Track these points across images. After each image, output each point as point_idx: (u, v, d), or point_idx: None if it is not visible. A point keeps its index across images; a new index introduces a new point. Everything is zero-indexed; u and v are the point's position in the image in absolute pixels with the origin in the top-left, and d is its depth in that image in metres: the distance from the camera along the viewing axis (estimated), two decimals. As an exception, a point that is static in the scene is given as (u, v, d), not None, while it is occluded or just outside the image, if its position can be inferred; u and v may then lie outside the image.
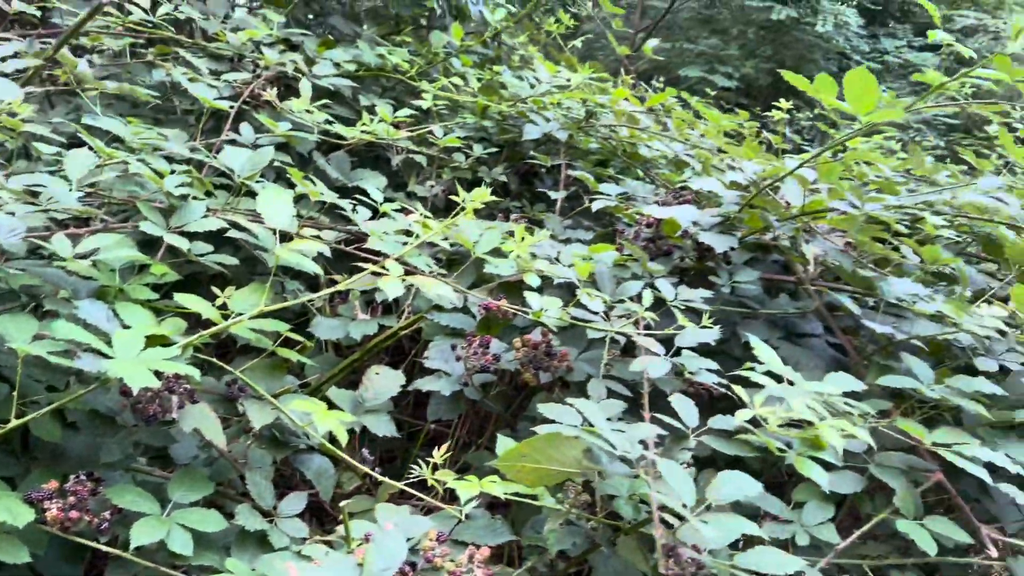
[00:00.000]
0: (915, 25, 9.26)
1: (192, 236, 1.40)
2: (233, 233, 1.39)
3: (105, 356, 1.04)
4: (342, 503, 1.04)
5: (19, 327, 1.10)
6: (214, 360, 1.32)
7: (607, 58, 7.31)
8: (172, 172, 1.47)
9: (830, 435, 0.99)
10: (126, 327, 1.16)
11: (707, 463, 1.36)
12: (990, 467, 1.26)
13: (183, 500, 1.18)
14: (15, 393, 1.07)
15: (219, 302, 1.35)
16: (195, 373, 1.05)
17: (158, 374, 1.09)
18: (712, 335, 1.37)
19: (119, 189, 1.53)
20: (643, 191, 2.21)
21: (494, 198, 1.58)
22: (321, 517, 1.79)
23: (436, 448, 1.26)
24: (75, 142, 1.58)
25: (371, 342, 1.81)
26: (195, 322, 1.31)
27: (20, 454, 1.22)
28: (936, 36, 1.31)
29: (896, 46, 8.60)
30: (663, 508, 0.99)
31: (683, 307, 1.49)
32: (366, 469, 1.37)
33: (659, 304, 1.53)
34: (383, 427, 1.51)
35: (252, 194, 1.57)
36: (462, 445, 2.03)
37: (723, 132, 2.66)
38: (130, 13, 2.08)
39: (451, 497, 1.21)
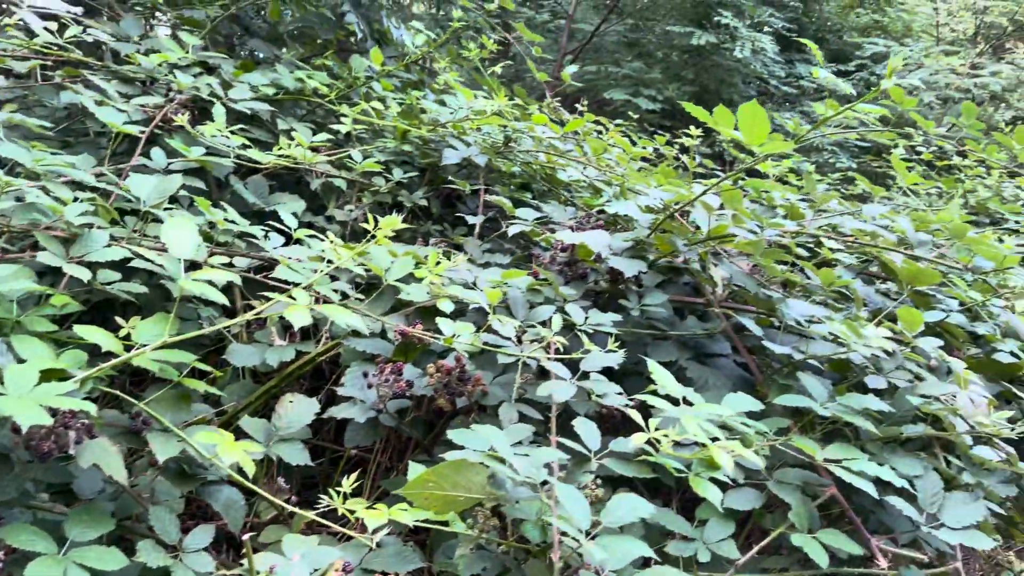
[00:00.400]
0: (828, 52, 9.68)
1: (95, 265, 1.37)
2: (139, 262, 1.37)
3: (-3, 393, 1.01)
4: (245, 536, 1.03)
5: (-95, 363, 1.07)
6: (118, 392, 1.29)
7: (534, 80, 7.41)
8: (76, 200, 1.44)
9: (720, 456, 1.03)
10: (21, 361, 1.13)
11: (624, 482, 1.39)
12: (880, 480, 1.32)
13: (82, 538, 1.14)
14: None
15: (123, 332, 1.33)
16: (91, 408, 1.03)
17: (53, 410, 1.06)
18: (616, 359, 1.41)
19: (20, 217, 1.49)
20: (562, 215, 2.25)
21: (406, 225, 1.59)
22: (239, 549, 1.76)
23: (347, 476, 1.26)
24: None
25: (288, 368, 1.80)
26: (104, 353, 1.29)
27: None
28: (819, 75, 1.39)
29: (811, 71, 8.97)
30: (564, 532, 1.01)
31: (592, 331, 1.53)
32: (277, 500, 1.36)
33: (572, 327, 1.56)
34: (296, 456, 1.50)
35: (161, 221, 1.55)
36: (384, 470, 2.02)
37: (640, 157, 2.73)
38: (36, 35, 2.03)
39: (367, 525, 1.21)
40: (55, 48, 2.05)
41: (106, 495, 1.36)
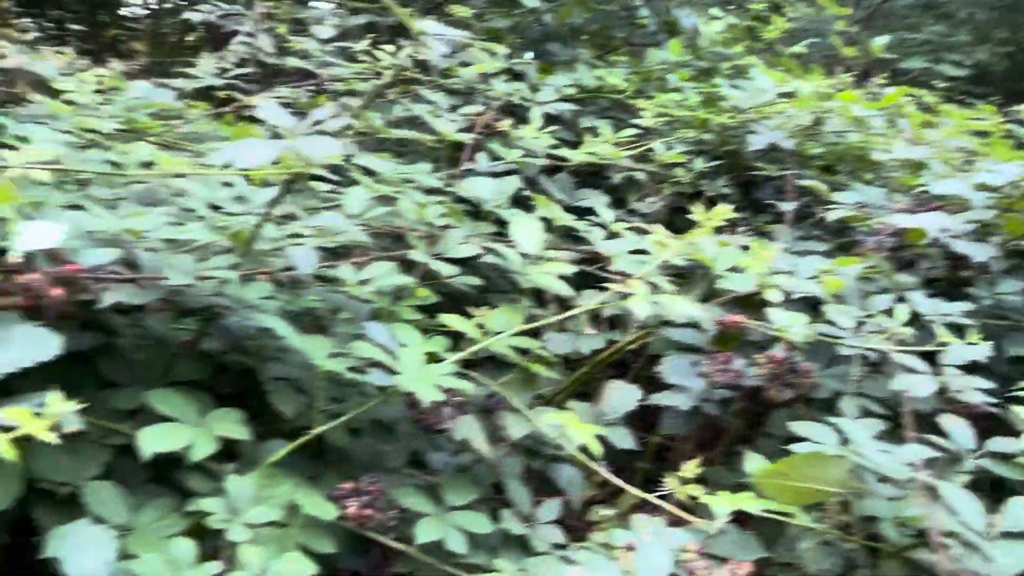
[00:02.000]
0: None
1: (451, 261, 1.54)
2: (487, 257, 1.51)
3: (393, 372, 1.18)
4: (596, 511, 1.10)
5: (317, 346, 1.26)
6: (472, 374, 1.43)
7: (818, 54, 6.95)
8: (431, 203, 1.62)
9: None
10: (402, 345, 1.30)
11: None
12: None
13: (455, 503, 1.29)
14: (315, 404, 1.24)
15: (474, 322, 1.47)
16: (467, 387, 1.16)
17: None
18: (982, 351, 1.29)
19: (382, 220, 1.71)
20: (878, 198, 2.10)
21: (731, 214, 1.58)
22: (567, 524, 1.86)
23: (670, 461, 1.29)
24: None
25: (598, 357, 1.87)
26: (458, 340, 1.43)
27: (316, 457, 1.39)
28: None
29: None
30: (946, 533, 0.95)
31: (942, 322, 1.42)
32: (616, 480, 1.43)
33: (915, 318, 1.46)
34: (622, 439, 1.55)
35: (498, 220, 1.69)
36: (686, 459, 2.04)
37: (973, 130, 2.47)
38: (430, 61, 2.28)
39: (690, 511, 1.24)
40: (397, 67, 2.31)
41: (451, 467, 1.51)
